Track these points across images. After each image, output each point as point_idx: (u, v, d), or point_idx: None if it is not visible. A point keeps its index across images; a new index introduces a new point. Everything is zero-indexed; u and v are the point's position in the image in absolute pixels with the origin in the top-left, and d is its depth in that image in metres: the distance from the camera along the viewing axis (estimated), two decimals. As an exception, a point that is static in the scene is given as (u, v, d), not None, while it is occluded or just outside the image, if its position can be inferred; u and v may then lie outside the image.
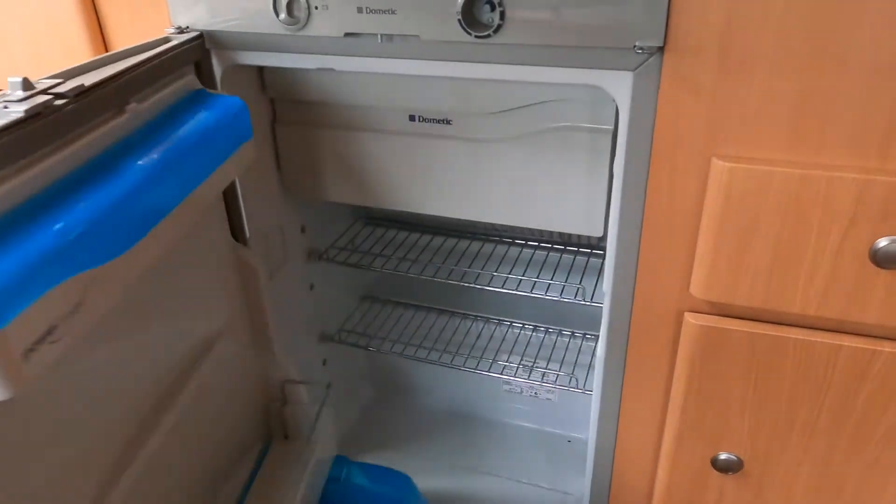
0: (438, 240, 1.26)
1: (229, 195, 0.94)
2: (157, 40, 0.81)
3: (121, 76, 0.70)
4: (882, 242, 0.64)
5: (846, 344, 0.70)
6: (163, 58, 0.77)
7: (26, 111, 0.58)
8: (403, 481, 1.03)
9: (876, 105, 0.62)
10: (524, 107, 0.86)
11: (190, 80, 0.82)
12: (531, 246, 1.21)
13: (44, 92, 0.62)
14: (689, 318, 0.75)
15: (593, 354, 1.16)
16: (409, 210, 1.00)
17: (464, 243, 1.25)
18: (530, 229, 1.17)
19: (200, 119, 0.76)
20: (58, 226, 0.54)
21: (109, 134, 0.67)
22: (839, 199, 0.64)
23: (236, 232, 0.97)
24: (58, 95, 0.62)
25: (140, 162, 0.65)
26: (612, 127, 0.83)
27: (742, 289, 0.71)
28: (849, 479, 0.79)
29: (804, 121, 0.64)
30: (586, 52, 0.69)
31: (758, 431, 0.80)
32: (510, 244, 1.22)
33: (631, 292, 0.80)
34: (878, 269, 0.65)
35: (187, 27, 0.85)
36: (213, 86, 0.89)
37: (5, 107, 0.58)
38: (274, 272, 1.09)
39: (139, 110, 0.72)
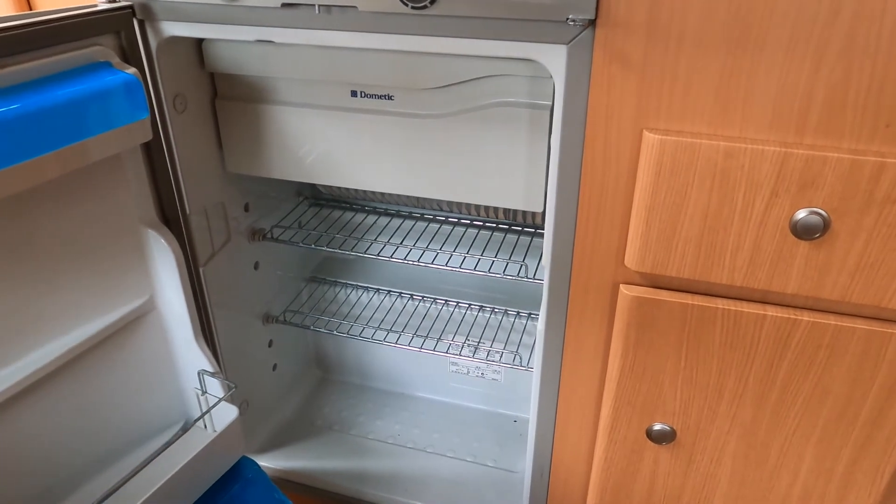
0: (384, 220, 1.26)
1: (159, 174, 0.93)
2: (81, 7, 0.79)
3: None
4: (801, 214, 0.66)
5: (770, 314, 0.73)
6: (54, 25, 0.75)
7: None
8: None
9: (794, 81, 0.64)
10: (464, 82, 0.87)
11: (98, 51, 0.80)
12: (475, 226, 1.22)
13: None
14: (624, 290, 0.77)
15: (535, 337, 1.18)
16: (352, 187, 1.00)
17: (409, 223, 1.25)
18: (475, 209, 1.18)
19: (71, 91, 0.73)
20: None
21: None
22: (761, 171, 0.66)
23: (168, 210, 0.96)
24: None
25: None
26: (550, 103, 0.84)
27: (673, 260, 0.73)
28: (772, 446, 0.82)
29: (728, 95, 0.66)
30: (521, 25, 0.70)
31: (690, 402, 0.82)
32: (455, 224, 1.23)
33: (569, 266, 0.81)
34: (797, 240, 0.68)
35: (118, -4, 0.83)
36: (147, 59, 0.87)
37: None
38: (216, 251, 1.08)
39: (4, 72, 0.70)
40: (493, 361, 1.14)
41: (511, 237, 1.18)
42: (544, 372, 0.90)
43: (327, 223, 1.26)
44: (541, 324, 0.87)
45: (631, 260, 0.75)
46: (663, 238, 0.72)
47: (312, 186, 1.30)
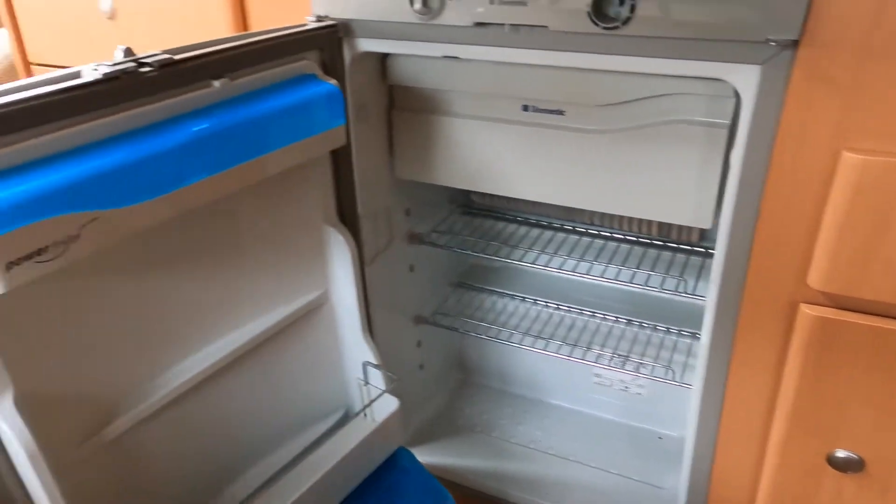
0: (534, 231, 1.30)
1: (342, 177, 1.00)
2: (294, 27, 0.87)
3: (216, 54, 0.77)
4: None
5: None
6: (275, 42, 0.83)
7: (104, 75, 0.67)
8: (444, 499, 1.06)
9: None
10: (639, 100, 0.89)
11: (305, 65, 0.88)
12: (626, 241, 1.23)
13: (135, 61, 0.70)
14: (805, 310, 0.76)
15: (689, 351, 1.17)
16: (516, 196, 1.04)
17: (559, 235, 1.28)
18: (626, 224, 1.19)
19: (286, 100, 0.81)
20: (69, 169, 0.62)
21: (189, 103, 0.74)
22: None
23: (346, 212, 1.03)
24: (144, 65, 0.70)
25: (193, 129, 0.71)
26: (728, 122, 0.84)
27: (869, 282, 0.72)
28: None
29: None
30: (714, 45, 0.71)
31: (883, 430, 0.80)
32: (606, 238, 1.25)
33: (741, 283, 0.81)
34: None
35: (325, 16, 0.91)
36: (341, 72, 0.94)
37: (96, 68, 0.67)
38: (380, 251, 1.15)
39: (230, 85, 0.78)
40: (643, 374, 1.15)
41: (665, 254, 1.18)
42: (706, 389, 0.90)
43: (478, 231, 1.31)
44: (704, 339, 0.87)
45: (816, 279, 0.75)
46: (858, 259, 0.71)
47: (465, 195, 1.36)
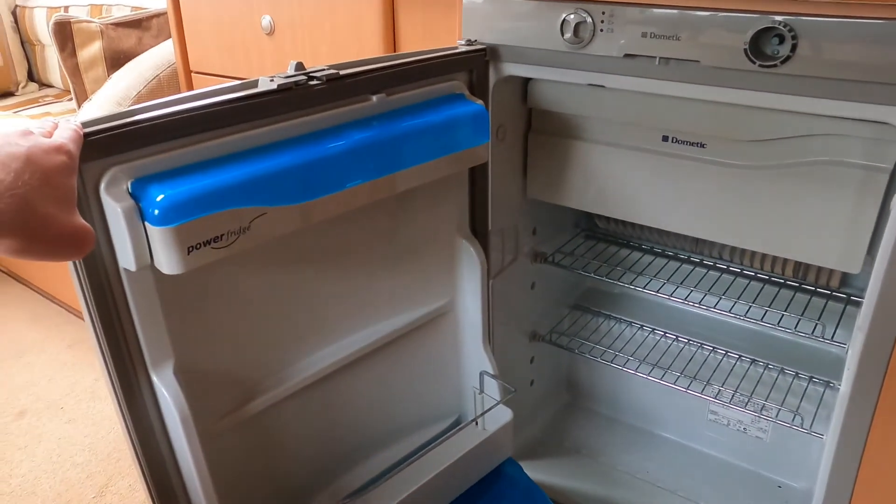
0: (659, 260, 1.29)
1: (478, 193, 1.04)
2: (445, 49, 0.92)
3: (376, 71, 0.83)
4: None
5: None
6: (428, 62, 0.89)
7: (279, 86, 0.74)
8: None
9: None
10: (790, 138, 0.87)
11: (454, 85, 0.93)
12: (760, 279, 1.20)
13: (306, 74, 0.77)
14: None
15: (819, 399, 1.12)
16: (649, 224, 1.04)
17: (686, 267, 1.26)
18: (760, 262, 1.16)
19: (437, 116, 0.86)
20: (245, 168, 0.69)
21: (349, 114, 0.81)
22: None
23: (478, 226, 1.07)
24: (313, 78, 0.77)
25: (355, 137, 0.77)
26: (891, 166, 0.82)
27: None
28: None
29: None
30: (879, 88, 0.70)
31: None
32: (736, 274, 1.22)
33: (894, 332, 0.78)
34: None
35: (475, 40, 0.95)
36: (485, 93, 0.98)
37: (272, 80, 0.75)
38: (504, 267, 1.18)
39: (386, 100, 0.84)
40: (766, 417, 1.11)
41: (800, 296, 1.15)
42: (843, 440, 0.86)
43: (601, 256, 1.32)
44: (845, 388, 0.84)
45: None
46: None
47: (590, 220, 1.37)
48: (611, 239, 1.35)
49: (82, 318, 0.70)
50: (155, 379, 0.74)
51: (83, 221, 0.53)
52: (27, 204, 0.47)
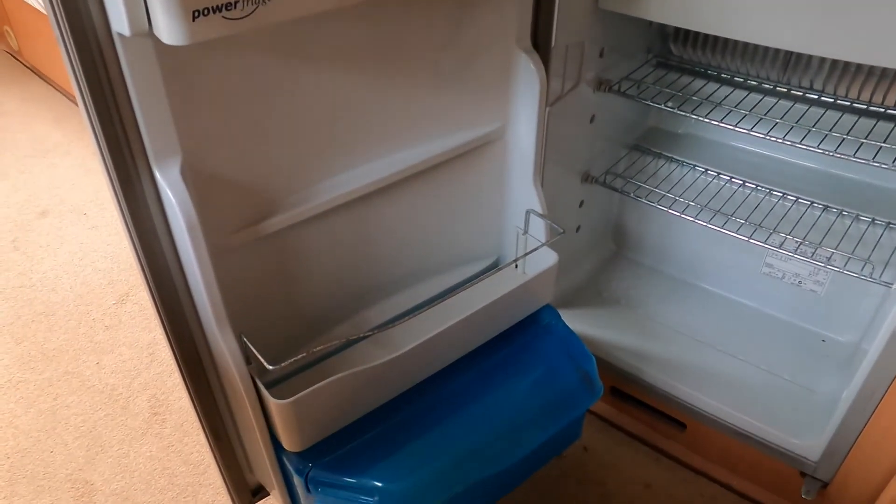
0: (739, 92, 1.12)
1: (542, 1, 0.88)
2: None
3: None
4: None
5: None
6: None
7: None
8: (588, 362, 0.98)
9: None
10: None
11: None
12: (856, 110, 1.02)
13: None
14: None
15: (895, 249, 1.00)
16: (744, 38, 0.87)
17: (769, 99, 1.09)
18: (859, 91, 0.99)
19: None
20: None
21: None
22: None
23: (540, 39, 0.92)
24: None
25: None
26: None
27: None
28: None
29: None
30: None
31: None
32: (829, 106, 1.04)
33: None
34: None
35: None
36: None
37: None
38: (564, 93, 1.03)
39: None
40: (833, 267, 1.00)
41: (885, 125, 0.99)
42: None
43: (674, 86, 1.15)
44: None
45: None
46: None
47: (664, 44, 1.19)
48: (685, 68, 1.18)
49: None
50: (158, 176, 0.64)
51: None
52: None
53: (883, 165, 0.91)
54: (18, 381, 1.42)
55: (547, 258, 0.97)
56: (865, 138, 0.95)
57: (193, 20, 0.51)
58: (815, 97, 1.06)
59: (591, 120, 1.15)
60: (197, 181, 0.69)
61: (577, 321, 1.23)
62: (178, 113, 0.63)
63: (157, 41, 0.54)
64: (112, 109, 0.59)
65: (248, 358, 0.76)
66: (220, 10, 0.52)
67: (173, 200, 0.64)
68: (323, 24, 0.71)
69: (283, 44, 0.69)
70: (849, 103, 1.04)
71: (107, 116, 0.59)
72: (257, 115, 0.71)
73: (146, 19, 0.52)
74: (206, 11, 0.51)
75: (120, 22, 0.53)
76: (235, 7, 0.53)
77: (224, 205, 0.73)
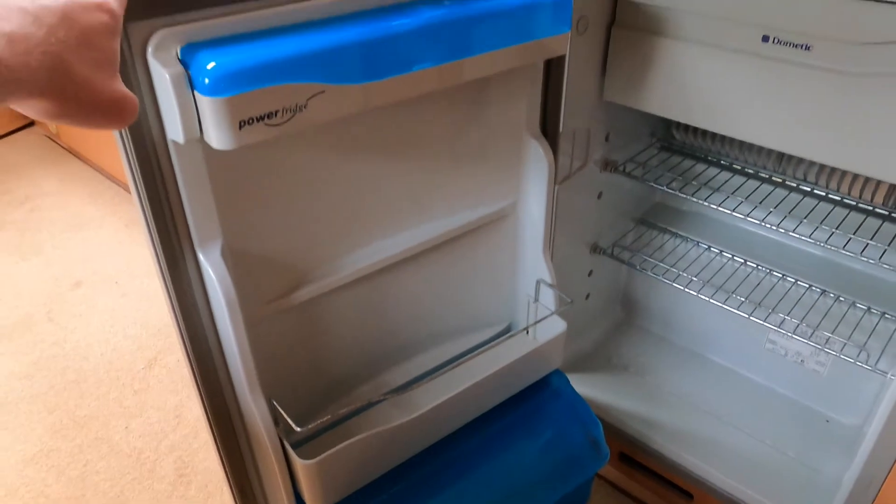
0: (737, 178, 1.20)
1: (551, 89, 0.96)
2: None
3: None
4: None
5: None
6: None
7: None
8: (595, 427, 1.03)
9: None
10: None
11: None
12: (846, 205, 1.10)
13: None
14: None
15: (890, 337, 1.05)
16: (737, 136, 0.95)
17: (765, 187, 1.17)
18: (849, 187, 1.06)
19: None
20: (305, 41, 0.63)
21: None
22: None
23: (548, 126, 1.00)
24: None
25: (425, 16, 0.70)
26: None
27: None
28: None
29: None
30: None
31: None
32: (821, 198, 1.12)
33: None
34: None
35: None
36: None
37: None
38: (572, 172, 1.11)
39: None
40: (830, 351, 1.05)
41: (889, 226, 1.05)
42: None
43: (675, 169, 1.23)
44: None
45: None
46: None
47: (667, 130, 1.27)
48: (687, 152, 1.26)
49: (134, 193, 0.67)
50: (202, 258, 0.72)
51: (125, 89, 0.48)
52: (62, 63, 0.43)
53: (870, 260, 0.98)
54: (50, 450, 1.48)
55: (556, 325, 1.04)
56: (854, 234, 1.02)
57: (240, 129, 0.60)
58: (808, 189, 1.14)
59: (599, 196, 1.22)
60: (235, 259, 0.76)
61: (586, 386, 1.28)
62: (220, 201, 0.72)
63: (205, 145, 0.63)
64: (163, 201, 0.68)
65: (276, 419, 0.82)
66: (263, 119, 0.60)
67: (214, 279, 0.71)
68: (351, 121, 0.80)
69: (314, 137, 0.78)
70: (839, 198, 1.11)
71: (158, 208, 0.67)
72: (290, 199, 0.80)
73: (198, 129, 0.61)
74: (250, 121, 0.60)
75: (175, 132, 0.62)
76: (276, 115, 0.61)
77: (258, 279, 0.81)
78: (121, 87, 0.48)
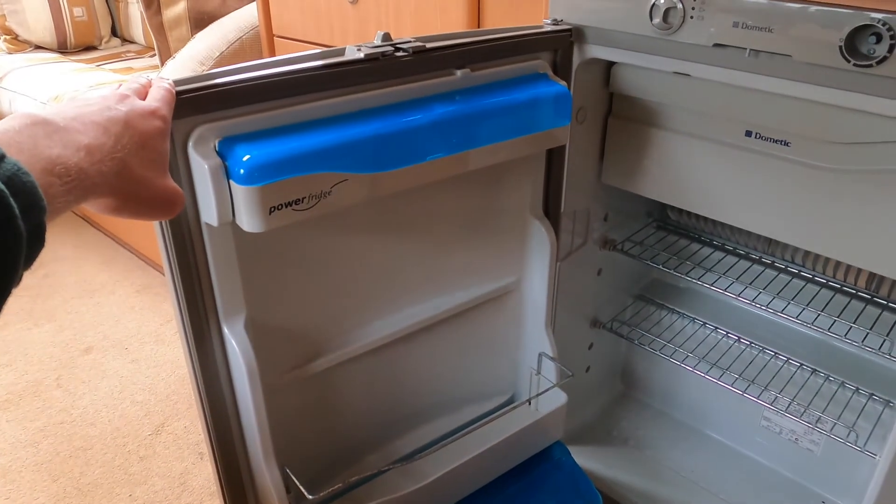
0: (729, 258, 1.26)
1: (553, 174, 1.04)
2: (530, 28, 0.92)
3: (461, 46, 0.83)
4: None
5: None
6: (514, 40, 0.88)
7: (366, 55, 0.74)
8: (595, 500, 1.06)
9: None
10: (880, 143, 0.84)
11: (538, 64, 0.92)
12: (831, 287, 1.16)
13: (393, 45, 0.77)
14: None
15: (877, 419, 1.09)
16: (723, 220, 1.02)
17: (756, 268, 1.23)
18: (833, 270, 1.13)
19: (520, 95, 0.85)
20: (329, 134, 0.70)
21: (433, 87, 0.81)
22: None
23: (550, 207, 1.07)
24: (400, 49, 0.77)
25: (438, 111, 0.78)
26: None
27: None
28: None
29: None
30: None
31: None
32: (807, 280, 1.18)
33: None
34: None
35: (561, 20, 0.94)
36: (568, 74, 0.97)
37: (359, 49, 0.75)
38: (573, 251, 1.17)
39: (470, 75, 0.84)
40: (820, 430, 1.08)
41: (871, 309, 1.11)
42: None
43: (671, 248, 1.30)
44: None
45: None
46: None
47: (662, 210, 1.34)
48: (682, 232, 1.33)
49: (151, 265, 0.73)
50: (226, 330, 0.77)
51: (174, 184, 0.55)
52: (125, 167, 0.50)
53: (854, 343, 1.03)
54: (54, 519, 1.49)
55: (558, 398, 1.08)
56: (838, 316, 1.08)
57: (270, 214, 0.66)
58: (796, 271, 1.20)
59: (599, 273, 1.28)
60: (256, 330, 0.82)
61: (586, 459, 1.30)
62: (245, 277, 0.78)
63: (236, 227, 0.69)
64: (194, 278, 0.74)
65: (288, 486, 0.86)
66: (291, 205, 0.67)
67: (237, 350, 0.77)
68: (367, 206, 0.86)
69: (335, 219, 0.84)
70: (824, 280, 1.17)
71: (189, 284, 0.73)
72: (310, 275, 0.86)
73: (231, 214, 0.68)
74: (280, 206, 0.66)
75: (210, 216, 0.68)
76: (303, 202, 0.68)
77: (278, 350, 0.86)
78: (171, 182, 0.55)
